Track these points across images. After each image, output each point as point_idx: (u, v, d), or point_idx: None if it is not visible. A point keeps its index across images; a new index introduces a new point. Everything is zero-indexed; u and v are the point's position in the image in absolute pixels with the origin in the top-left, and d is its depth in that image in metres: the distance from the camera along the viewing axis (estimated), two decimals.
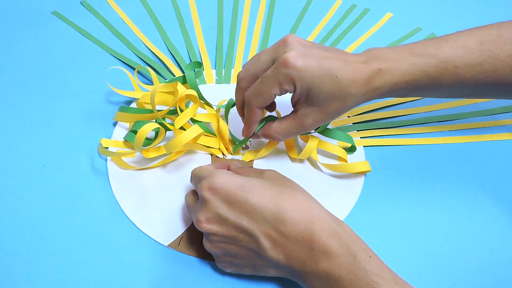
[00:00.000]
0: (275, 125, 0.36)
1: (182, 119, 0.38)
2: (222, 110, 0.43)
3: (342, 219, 0.37)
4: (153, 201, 0.38)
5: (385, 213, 0.38)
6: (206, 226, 0.29)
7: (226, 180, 0.29)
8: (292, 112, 0.36)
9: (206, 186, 0.29)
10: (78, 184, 0.39)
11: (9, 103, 0.45)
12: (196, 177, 0.32)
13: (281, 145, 0.42)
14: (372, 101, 0.47)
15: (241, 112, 0.38)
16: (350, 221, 0.37)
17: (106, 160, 0.40)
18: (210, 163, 0.40)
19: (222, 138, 0.41)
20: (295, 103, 0.35)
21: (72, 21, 0.54)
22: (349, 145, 0.41)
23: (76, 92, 0.46)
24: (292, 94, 0.34)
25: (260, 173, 0.33)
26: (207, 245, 0.31)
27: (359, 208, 0.38)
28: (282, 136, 0.36)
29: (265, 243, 0.28)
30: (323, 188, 0.39)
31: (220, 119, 0.41)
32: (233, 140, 0.42)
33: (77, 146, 0.41)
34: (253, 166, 0.40)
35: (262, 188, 0.29)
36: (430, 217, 0.38)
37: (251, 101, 0.35)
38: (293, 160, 0.41)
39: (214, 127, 0.42)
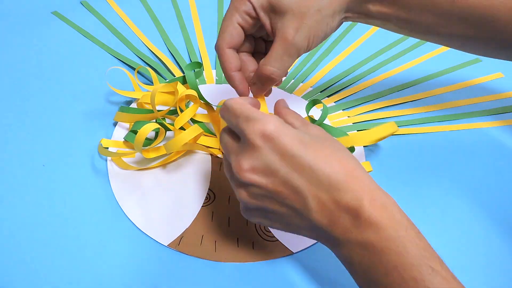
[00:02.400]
0: (262, 61, 0.33)
1: (182, 119, 0.38)
2: None
3: None
4: (153, 201, 0.38)
5: None
6: (249, 175, 0.26)
7: (282, 129, 0.26)
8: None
9: (259, 131, 0.26)
10: (78, 184, 0.39)
11: (9, 103, 0.45)
12: (242, 116, 0.27)
13: None
14: (372, 101, 0.47)
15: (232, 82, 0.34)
16: None
17: (106, 160, 0.40)
18: (210, 163, 0.40)
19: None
20: (268, 26, 0.33)
21: (72, 21, 0.54)
22: (348, 145, 0.41)
23: (76, 92, 0.46)
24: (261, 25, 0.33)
25: (305, 125, 0.30)
26: (242, 196, 0.28)
27: None
28: (276, 68, 0.32)
29: (313, 204, 0.26)
30: None
31: (221, 119, 0.41)
32: None
33: (77, 146, 0.41)
34: None
35: (320, 147, 0.26)
36: (431, 216, 0.38)
37: (218, 44, 0.33)
38: None
39: (214, 127, 0.42)
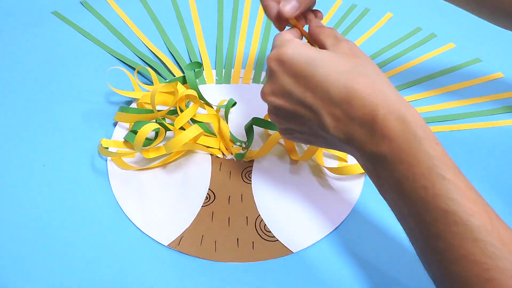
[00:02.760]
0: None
1: (182, 119, 0.38)
2: (222, 110, 0.43)
3: (341, 220, 0.37)
4: (153, 201, 0.38)
5: (386, 213, 0.38)
6: (270, 98, 0.29)
7: (295, 51, 0.27)
8: None
9: (274, 57, 0.28)
10: (78, 184, 0.39)
11: (9, 103, 0.45)
12: (273, 46, 0.30)
13: (282, 146, 0.42)
14: None
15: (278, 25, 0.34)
16: (350, 220, 0.37)
17: (106, 160, 0.40)
18: (210, 163, 0.40)
19: (222, 138, 0.41)
20: None
21: (72, 21, 0.54)
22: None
23: (76, 92, 0.46)
24: None
25: (337, 43, 0.29)
26: (271, 117, 0.31)
27: (359, 209, 0.38)
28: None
29: (328, 121, 0.27)
30: (323, 189, 0.39)
31: (221, 119, 0.41)
32: (234, 140, 0.42)
33: (77, 146, 0.41)
34: (253, 166, 0.40)
35: (333, 64, 0.27)
36: None
37: None
38: (293, 162, 0.41)
39: (214, 127, 0.42)
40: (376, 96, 0.26)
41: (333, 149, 0.30)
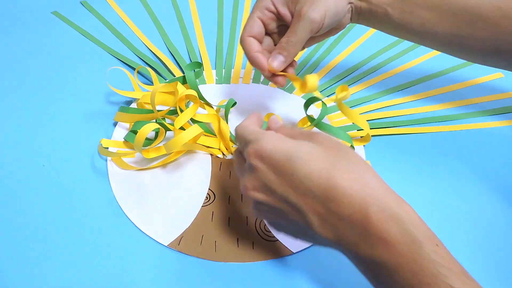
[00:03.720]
0: (282, 39, 0.37)
1: (182, 119, 0.38)
2: (222, 110, 0.43)
3: None
4: (153, 201, 0.38)
5: None
6: (253, 193, 0.28)
7: (274, 146, 0.27)
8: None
9: (253, 152, 0.27)
10: (78, 184, 0.39)
11: (9, 103, 0.45)
12: (242, 139, 0.30)
13: None
14: (372, 101, 0.47)
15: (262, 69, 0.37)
16: None
17: (106, 160, 0.40)
18: (210, 163, 0.40)
19: (222, 138, 0.41)
20: (288, 17, 0.37)
21: (72, 21, 0.54)
22: (348, 144, 0.41)
23: (76, 92, 0.46)
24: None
25: (309, 136, 0.28)
26: (255, 212, 0.29)
27: None
28: (294, 42, 0.36)
29: (314, 220, 0.25)
30: None
31: (221, 119, 0.41)
32: (233, 140, 0.42)
33: (77, 146, 0.41)
34: None
35: (313, 158, 0.26)
36: (432, 215, 0.38)
37: (241, 36, 0.38)
38: None
39: (214, 127, 0.42)
40: (364, 191, 0.24)
41: (321, 246, 0.28)
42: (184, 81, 0.42)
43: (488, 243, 0.37)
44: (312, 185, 0.25)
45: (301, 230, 0.27)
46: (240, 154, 0.31)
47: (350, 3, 0.37)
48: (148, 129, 0.36)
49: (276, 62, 0.36)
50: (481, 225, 0.38)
